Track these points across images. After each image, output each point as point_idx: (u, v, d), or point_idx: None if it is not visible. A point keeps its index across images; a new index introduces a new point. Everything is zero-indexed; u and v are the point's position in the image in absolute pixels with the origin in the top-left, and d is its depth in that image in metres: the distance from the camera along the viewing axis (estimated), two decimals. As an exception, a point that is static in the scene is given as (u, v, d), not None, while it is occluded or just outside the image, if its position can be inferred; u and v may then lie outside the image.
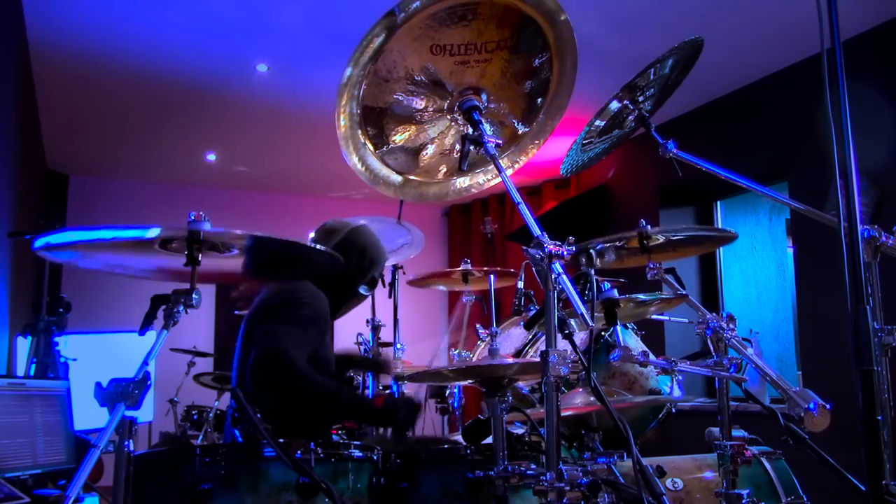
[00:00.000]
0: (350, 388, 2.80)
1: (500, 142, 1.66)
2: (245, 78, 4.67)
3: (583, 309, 1.30)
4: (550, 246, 1.34)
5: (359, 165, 1.77)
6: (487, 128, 1.66)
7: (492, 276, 3.42)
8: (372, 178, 1.81)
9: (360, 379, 3.27)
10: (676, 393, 2.38)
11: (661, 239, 2.00)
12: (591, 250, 1.94)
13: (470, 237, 7.59)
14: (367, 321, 3.59)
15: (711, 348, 1.78)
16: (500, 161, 1.60)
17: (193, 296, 1.43)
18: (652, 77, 1.91)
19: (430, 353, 4.11)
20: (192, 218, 1.44)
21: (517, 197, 1.48)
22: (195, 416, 5.10)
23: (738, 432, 1.83)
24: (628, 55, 4.02)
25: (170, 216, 4.29)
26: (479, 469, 1.71)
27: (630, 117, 2.00)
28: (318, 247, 1.57)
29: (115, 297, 5.39)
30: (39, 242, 1.35)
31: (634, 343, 2.55)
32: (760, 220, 5.52)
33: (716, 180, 1.93)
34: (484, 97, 1.69)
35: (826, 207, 1.90)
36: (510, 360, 1.83)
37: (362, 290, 2.56)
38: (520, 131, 1.84)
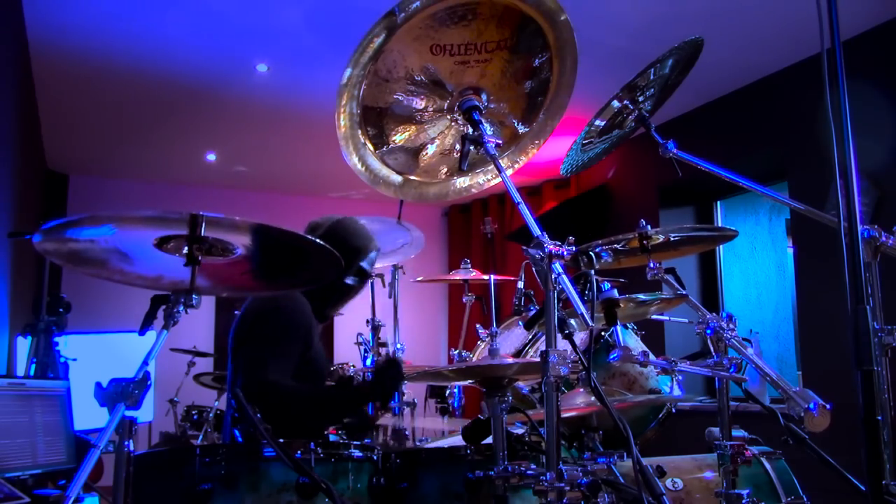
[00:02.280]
0: (338, 385, 2.74)
1: (500, 142, 1.66)
2: (245, 78, 4.67)
3: (583, 309, 1.30)
4: (550, 246, 1.34)
5: (359, 165, 1.77)
6: (487, 128, 1.65)
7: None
8: (372, 178, 1.81)
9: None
10: (676, 393, 2.38)
11: (661, 238, 2.00)
12: (591, 252, 1.93)
13: (470, 237, 7.59)
14: (367, 321, 3.59)
15: (711, 348, 1.78)
16: (500, 161, 1.60)
17: (193, 296, 1.43)
18: (652, 77, 1.91)
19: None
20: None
21: (517, 197, 1.47)
22: (195, 416, 5.10)
23: (738, 432, 1.83)
24: (628, 55, 4.02)
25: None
26: (479, 469, 1.71)
27: (630, 117, 2.00)
28: (318, 241, 1.53)
29: (115, 297, 5.37)
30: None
31: (634, 343, 2.55)
32: (760, 220, 5.52)
33: (716, 180, 1.93)
34: (484, 97, 1.69)
35: (826, 207, 1.90)
36: (510, 360, 1.83)
37: (349, 280, 2.47)
38: (520, 131, 1.84)
